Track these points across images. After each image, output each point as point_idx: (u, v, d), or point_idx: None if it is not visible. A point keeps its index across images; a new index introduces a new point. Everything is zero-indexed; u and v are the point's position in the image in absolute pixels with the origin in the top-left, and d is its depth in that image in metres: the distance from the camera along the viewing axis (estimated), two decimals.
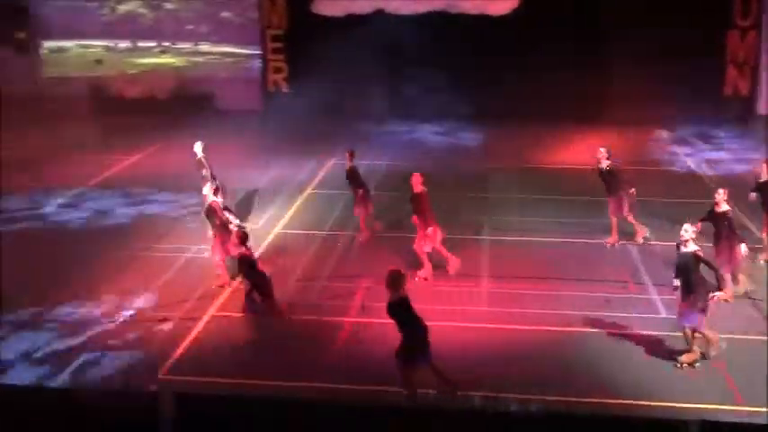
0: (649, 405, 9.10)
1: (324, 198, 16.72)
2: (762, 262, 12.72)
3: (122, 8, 26.15)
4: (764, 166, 12.75)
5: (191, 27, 26.06)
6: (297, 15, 24.20)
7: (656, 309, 11.49)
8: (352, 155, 14.24)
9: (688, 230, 9.88)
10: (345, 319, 11.30)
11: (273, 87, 24.87)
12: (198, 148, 14.69)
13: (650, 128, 21.84)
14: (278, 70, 24.85)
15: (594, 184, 14.09)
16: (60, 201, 16.62)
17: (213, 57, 26.36)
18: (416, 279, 12.15)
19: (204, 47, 26.30)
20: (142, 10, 26.20)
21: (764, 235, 12.83)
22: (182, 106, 24.04)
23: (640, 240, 13.79)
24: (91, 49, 26.36)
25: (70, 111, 23.35)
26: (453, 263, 12.55)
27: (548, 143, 20.64)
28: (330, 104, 21.94)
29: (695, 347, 9.93)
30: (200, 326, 11.16)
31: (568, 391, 9.36)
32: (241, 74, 25.82)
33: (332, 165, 18.71)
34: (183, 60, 26.23)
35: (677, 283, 9.90)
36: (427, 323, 8.91)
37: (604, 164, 13.66)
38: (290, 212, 15.93)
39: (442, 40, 22.85)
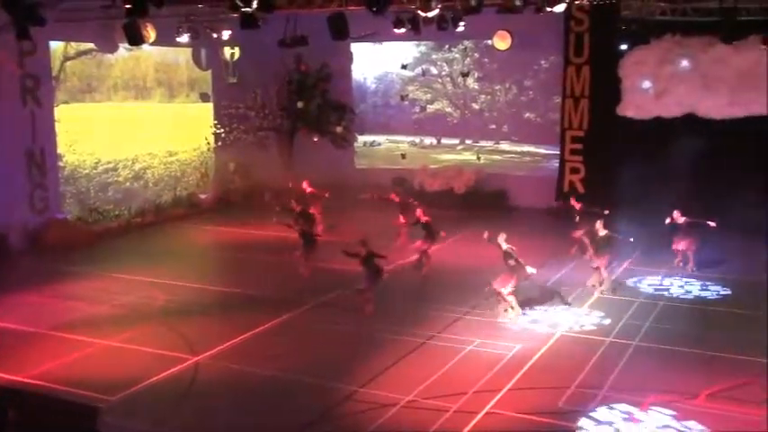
0: None
1: (612, 303, 16.26)
2: None
3: (432, 108, 27.87)
4: None
5: (493, 127, 27.03)
6: (598, 117, 24.12)
7: None
8: None
9: None
10: None
11: (569, 188, 24.82)
12: (502, 239, 15.07)
13: None
14: (575, 171, 24.84)
15: None
16: None
17: (512, 155, 27.02)
18: None
19: (504, 146, 27.07)
20: (449, 110, 27.70)
21: None
22: (477, 201, 24.84)
23: None
24: (399, 144, 28.31)
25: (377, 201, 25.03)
26: None
27: None
28: (626, 208, 21.17)
29: None
30: (474, 421, 11.16)
31: None
32: (537, 173, 26.17)
33: (621, 270, 18.25)
34: (482, 158, 27.14)
35: None
36: None
37: None
38: (582, 310, 15.62)
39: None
